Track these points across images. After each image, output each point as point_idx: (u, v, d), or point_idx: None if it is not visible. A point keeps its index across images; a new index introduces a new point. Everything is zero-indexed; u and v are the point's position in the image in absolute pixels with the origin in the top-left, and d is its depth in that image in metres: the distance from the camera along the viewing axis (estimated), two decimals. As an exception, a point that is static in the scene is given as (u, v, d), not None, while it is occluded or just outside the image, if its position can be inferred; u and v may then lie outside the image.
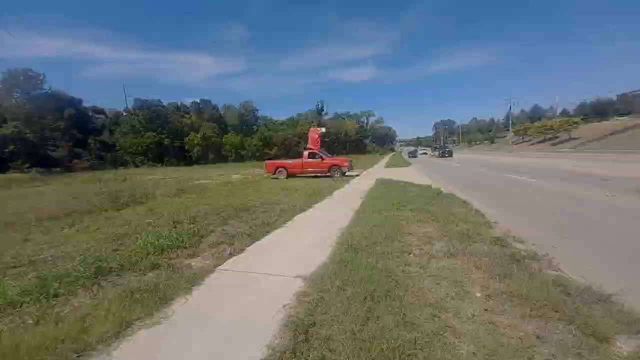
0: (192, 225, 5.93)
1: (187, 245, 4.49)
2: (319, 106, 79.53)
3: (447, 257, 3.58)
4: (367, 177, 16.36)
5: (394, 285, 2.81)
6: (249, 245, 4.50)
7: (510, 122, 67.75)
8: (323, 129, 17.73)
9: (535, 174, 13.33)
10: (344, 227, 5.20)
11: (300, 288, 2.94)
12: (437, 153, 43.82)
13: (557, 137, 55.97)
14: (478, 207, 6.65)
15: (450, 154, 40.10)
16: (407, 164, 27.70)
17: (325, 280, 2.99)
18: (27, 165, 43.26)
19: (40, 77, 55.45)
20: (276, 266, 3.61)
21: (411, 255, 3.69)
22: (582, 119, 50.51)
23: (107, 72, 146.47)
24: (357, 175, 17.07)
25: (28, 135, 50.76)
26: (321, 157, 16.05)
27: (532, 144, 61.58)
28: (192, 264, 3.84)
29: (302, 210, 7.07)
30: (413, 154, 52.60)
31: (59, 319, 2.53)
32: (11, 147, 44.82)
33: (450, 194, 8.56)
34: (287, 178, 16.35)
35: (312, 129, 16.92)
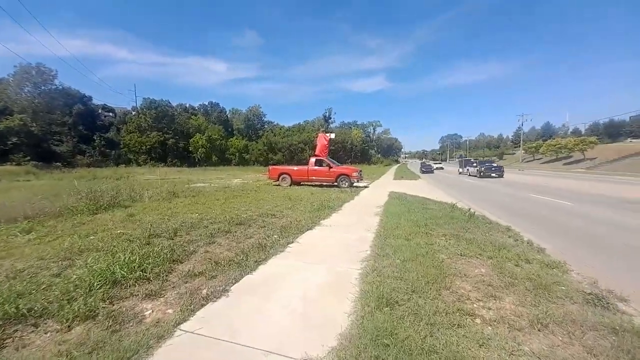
0: (170, 242, 4.72)
1: (151, 276, 3.26)
2: (327, 114, 79.08)
3: (538, 329, 2.29)
4: (377, 189, 15.09)
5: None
6: (236, 282, 3.25)
7: (522, 138, 66.29)
8: (332, 135, 16.62)
9: (565, 196, 11.97)
10: (365, 258, 3.94)
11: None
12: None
13: (570, 157, 54.32)
14: (524, 236, 5.35)
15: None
16: (416, 177, 26.40)
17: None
18: (27, 158, 42.68)
19: (52, 73, 55.49)
20: (270, 329, 2.35)
21: (477, 320, 2.41)
22: (597, 139, 48.89)
23: (123, 73, 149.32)
24: (365, 187, 15.81)
25: (33, 128, 50.62)
26: (329, 165, 14.86)
27: (543, 163, 59.88)
28: (147, 312, 2.60)
29: (308, 228, 5.82)
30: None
31: None
32: (15, 140, 44.45)
33: (483, 217, 7.25)
34: (290, 186, 15.16)
35: (320, 134, 15.82)
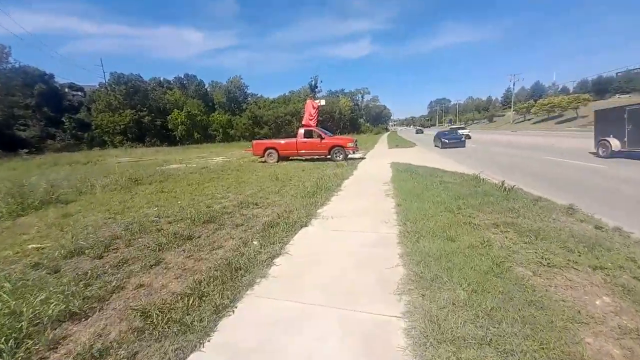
0: (93, 264, 3.07)
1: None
2: (313, 82, 74.62)
3: None
4: (375, 160, 13.51)
5: None
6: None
7: (513, 99, 64.83)
8: (322, 102, 14.55)
9: (585, 157, 10.73)
10: (401, 287, 2.39)
11: None
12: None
13: (561, 116, 53.64)
14: (598, 217, 3.94)
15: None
16: (412, 144, 24.88)
17: None
18: (-11, 146, 38.62)
19: (5, 50, 49.30)
20: None
21: None
22: (590, 97, 47.88)
23: (90, 49, 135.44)
24: (362, 159, 14.20)
25: (-11, 113, 45.73)
26: (320, 135, 13.03)
27: (535, 123, 59.25)
28: None
29: (302, 224, 4.22)
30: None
31: None
32: (-33, 127, 40.00)
33: (519, 189, 5.82)
34: (278, 162, 13.38)
35: (309, 101, 13.73)
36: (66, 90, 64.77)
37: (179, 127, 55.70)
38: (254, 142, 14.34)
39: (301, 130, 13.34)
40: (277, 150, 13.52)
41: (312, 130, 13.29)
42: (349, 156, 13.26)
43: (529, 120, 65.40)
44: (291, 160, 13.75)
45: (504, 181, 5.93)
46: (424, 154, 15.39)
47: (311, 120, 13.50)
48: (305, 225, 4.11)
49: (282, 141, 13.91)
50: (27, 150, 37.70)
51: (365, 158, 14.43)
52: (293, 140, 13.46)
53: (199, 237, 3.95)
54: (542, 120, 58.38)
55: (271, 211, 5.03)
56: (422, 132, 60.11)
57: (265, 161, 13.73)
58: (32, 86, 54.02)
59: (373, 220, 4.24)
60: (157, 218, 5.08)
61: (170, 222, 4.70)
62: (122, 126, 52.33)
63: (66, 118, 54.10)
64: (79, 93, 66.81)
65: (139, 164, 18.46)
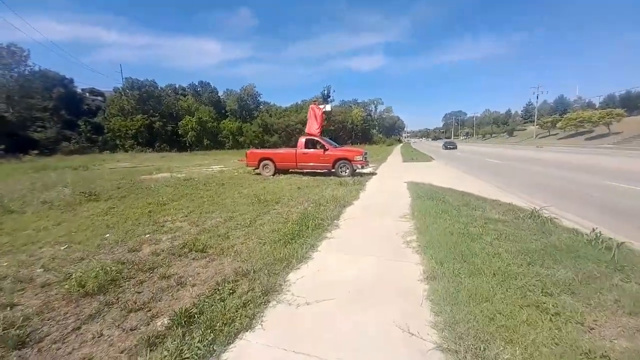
0: None
1: None
2: (325, 92, 73.69)
3: None
4: (388, 177, 11.43)
5: None
6: None
7: (536, 112, 61.21)
8: (328, 107, 12.66)
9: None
10: None
11: None
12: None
13: (591, 131, 49.77)
14: None
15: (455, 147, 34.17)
16: (429, 158, 22.51)
17: None
18: (2, 146, 39.01)
19: (24, 53, 50.77)
20: None
21: None
22: (624, 112, 44.05)
23: (114, 57, 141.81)
24: (372, 174, 12.14)
25: (7, 114, 46.90)
26: (323, 146, 11.11)
27: (561, 138, 55.38)
28: None
29: (239, 329, 2.17)
30: (449, 145, 40.46)
31: None
32: (-17, 127, 40.68)
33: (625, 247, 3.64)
34: (274, 175, 11.52)
35: (312, 106, 11.90)
36: (87, 94, 66.44)
37: (189, 133, 55.58)
38: (248, 151, 12.56)
39: (302, 140, 11.47)
40: (273, 162, 11.68)
41: (314, 139, 11.39)
42: (357, 171, 11.25)
43: (554, 135, 61.41)
44: (290, 173, 11.87)
45: (598, 232, 3.74)
46: (446, 172, 13.16)
47: (316, 128, 11.63)
48: (245, 330, 2.09)
49: (280, 151, 12.10)
50: (37, 152, 37.68)
51: (376, 174, 12.35)
52: (292, 150, 11.59)
53: (38, 341, 2.03)
54: (570, 136, 54.46)
55: (215, 270, 3.07)
56: (455, 147, 39.20)
57: (260, 173, 11.92)
58: (51, 89, 55.42)
59: (384, 319, 2.19)
60: (42, 270, 3.25)
61: (42, 286, 2.83)
62: (133, 130, 52.57)
63: (82, 121, 54.91)
64: (99, 98, 68.37)
65: (133, 170, 17.16)
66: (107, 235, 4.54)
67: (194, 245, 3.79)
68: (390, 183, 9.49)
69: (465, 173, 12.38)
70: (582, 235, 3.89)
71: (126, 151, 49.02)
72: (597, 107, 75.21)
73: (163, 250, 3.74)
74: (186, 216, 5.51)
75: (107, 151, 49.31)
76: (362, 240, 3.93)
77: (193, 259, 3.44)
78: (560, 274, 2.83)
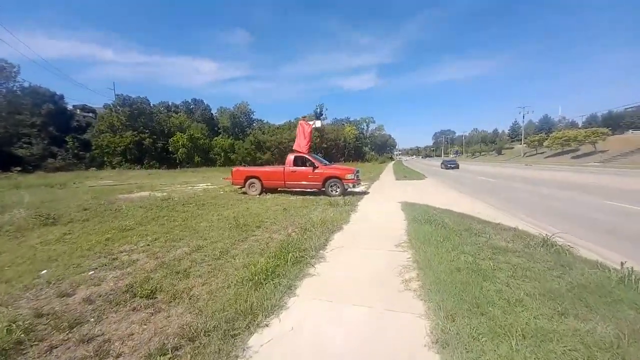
0: None
1: None
2: (318, 110, 74.62)
3: None
4: (381, 197, 10.85)
5: None
6: None
7: (523, 132, 62.87)
8: (318, 123, 12.25)
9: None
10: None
11: None
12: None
13: (577, 150, 51.05)
14: None
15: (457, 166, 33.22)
16: (421, 176, 22.21)
17: None
18: (-19, 163, 37.29)
19: (14, 69, 50.16)
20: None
21: None
22: (609, 130, 45.49)
23: (109, 74, 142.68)
24: (364, 193, 11.57)
25: (-10, 131, 45.54)
26: (313, 164, 10.54)
27: (548, 157, 56.58)
28: None
29: None
30: (450, 164, 33.70)
31: None
32: (-37, 143, 39.08)
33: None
34: (260, 194, 10.82)
35: (301, 121, 11.45)
36: (78, 111, 65.59)
37: (180, 149, 54.76)
38: (234, 169, 11.87)
39: (290, 157, 10.90)
40: (260, 180, 11.01)
41: (303, 156, 10.84)
42: (349, 190, 10.66)
43: (540, 153, 62.81)
44: (278, 192, 11.20)
45: (630, 268, 3.15)
46: (440, 190, 12.70)
47: (304, 145, 11.11)
48: None
49: (267, 169, 11.46)
50: (19, 169, 36.08)
51: (368, 193, 11.78)
52: (280, 168, 10.98)
53: None
54: (556, 154, 55.72)
55: (155, 329, 2.33)
56: (456, 167, 33.00)
57: (246, 193, 11.20)
58: (40, 106, 54.44)
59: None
60: None
61: None
62: (122, 147, 51.49)
63: (70, 138, 53.62)
64: (90, 114, 67.53)
65: (113, 188, 16.19)
66: (44, 271, 3.74)
67: (141, 287, 3.04)
68: (383, 203, 8.89)
69: (460, 192, 11.93)
70: (610, 270, 3.29)
71: (113, 168, 47.68)
72: (580, 126, 78.06)
73: (101, 296, 2.98)
74: (148, 245, 4.74)
75: (94, 168, 47.95)
76: (351, 279, 3.23)
77: (133, 309, 2.68)
78: (601, 330, 2.20)
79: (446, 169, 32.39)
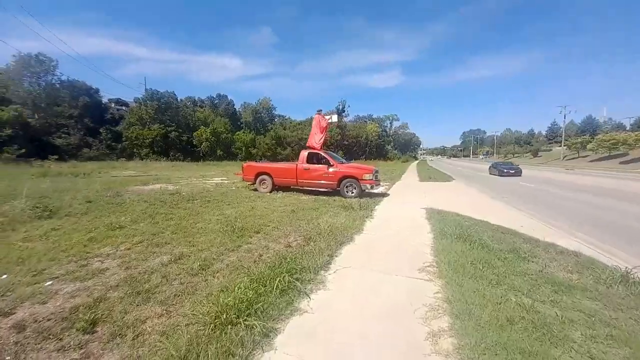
0: None
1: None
2: (340, 106, 73.32)
3: None
4: (402, 200, 9.78)
5: None
6: None
7: (563, 133, 57.61)
8: (334, 117, 11.33)
9: None
10: None
11: None
12: (496, 171, 22.81)
13: (626, 154, 45.82)
14: None
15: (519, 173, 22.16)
16: (448, 178, 20.53)
17: None
18: (22, 150, 40.31)
19: (52, 63, 53.59)
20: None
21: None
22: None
23: (141, 71, 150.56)
24: (383, 195, 10.53)
25: (31, 120, 49.12)
26: (328, 162, 9.68)
27: (592, 161, 51.39)
28: None
29: None
30: (507, 170, 22.25)
31: None
32: (9, 132, 42.31)
33: None
34: (271, 192, 10.15)
35: (316, 116, 10.61)
36: (112, 104, 69.36)
37: (203, 143, 56.12)
38: (245, 164, 11.31)
39: (304, 153, 10.10)
40: (271, 177, 10.34)
41: (317, 153, 10.00)
42: (366, 190, 9.70)
43: (583, 157, 57.21)
44: (291, 190, 10.47)
45: None
46: (470, 195, 11.34)
47: (318, 140, 10.27)
48: None
49: (279, 166, 10.74)
50: (56, 157, 38.59)
51: (388, 195, 10.73)
52: (293, 165, 10.23)
53: None
54: (601, 159, 50.41)
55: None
56: (518, 173, 21.83)
57: (256, 189, 10.59)
58: (77, 98, 57.98)
59: None
60: None
61: None
62: (149, 140, 53.59)
63: (103, 129, 56.74)
64: (124, 108, 71.22)
65: (131, 179, 16.43)
66: (4, 276, 3.24)
67: (87, 312, 2.38)
68: (405, 209, 7.85)
69: (494, 199, 10.51)
70: None
71: (142, 159, 49.71)
72: (627, 129, 70.34)
73: (36, 321, 2.35)
74: (129, 249, 4.15)
75: (123, 159, 50.29)
76: (355, 324, 2.35)
77: (60, 348, 2.01)
78: None
79: (500, 175, 21.62)
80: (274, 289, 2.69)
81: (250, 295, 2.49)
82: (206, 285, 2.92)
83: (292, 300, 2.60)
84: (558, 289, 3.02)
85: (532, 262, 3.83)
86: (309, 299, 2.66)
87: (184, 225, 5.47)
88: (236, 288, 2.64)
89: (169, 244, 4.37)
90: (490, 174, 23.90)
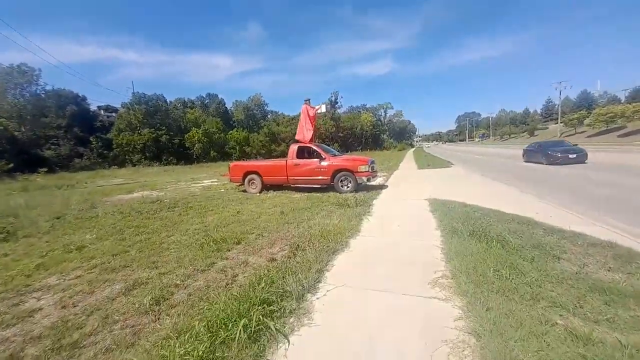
0: None
1: None
2: (333, 98, 72.14)
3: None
4: (402, 192, 9.09)
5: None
6: None
7: (559, 109, 56.84)
8: (323, 107, 10.51)
9: None
10: None
11: None
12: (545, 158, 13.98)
13: (624, 127, 45.29)
14: None
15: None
16: (447, 164, 19.80)
17: None
18: (10, 165, 39.16)
19: (35, 72, 51.99)
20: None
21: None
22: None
23: (128, 75, 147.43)
24: (381, 187, 9.84)
25: (17, 133, 47.82)
26: (320, 155, 8.94)
27: (590, 136, 50.87)
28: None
29: None
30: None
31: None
32: (-5, 147, 41.02)
33: None
34: (261, 192, 9.43)
35: (304, 106, 9.81)
36: (102, 111, 67.72)
37: (196, 145, 55.05)
38: (232, 164, 10.54)
39: (293, 147, 9.34)
40: (260, 176, 9.59)
41: (308, 147, 9.25)
42: (363, 183, 9.00)
43: (580, 133, 56.65)
44: (282, 189, 9.75)
45: None
46: (473, 182, 10.66)
47: (308, 133, 9.50)
48: None
49: (267, 163, 9.99)
50: (45, 170, 37.47)
51: (386, 186, 10.03)
52: (282, 161, 9.48)
53: None
54: (599, 134, 49.89)
55: None
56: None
57: (245, 190, 9.86)
58: (64, 108, 56.46)
59: None
60: None
61: None
62: (140, 145, 52.44)
63: (94, 138, 55.43)
64: (113, 114, 69.64)
65: (115, 188, 15.61)
66: None
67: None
68: (406, 202, 7.16)
69: (499, 182, 9.84)
70: None
71: (134, 165, 48.68)
72: (622, 101, 69.65)
73: None
74: (79, 276, 3.44)
75: (115, 166, 49.25)
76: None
77: None
78: None
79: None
80: (241, 334, 1.98)
81: (201, 351, 1.78)
82: (152, 330, 2.22)
83: (263, 350, 1.90)
84: (609, 299, 2.35)
85: (564, 259, 3.15)
86: (287, 346, 1.96)
87: (154, 241, 4.74)
88: (187, 337, 1.93)
89: (128, 266, 3.66)
90: (527, 161, 15.79)
